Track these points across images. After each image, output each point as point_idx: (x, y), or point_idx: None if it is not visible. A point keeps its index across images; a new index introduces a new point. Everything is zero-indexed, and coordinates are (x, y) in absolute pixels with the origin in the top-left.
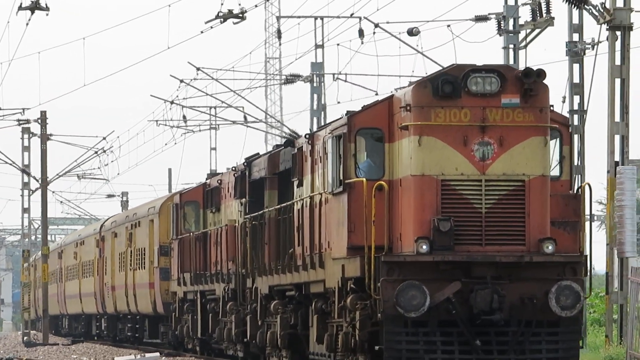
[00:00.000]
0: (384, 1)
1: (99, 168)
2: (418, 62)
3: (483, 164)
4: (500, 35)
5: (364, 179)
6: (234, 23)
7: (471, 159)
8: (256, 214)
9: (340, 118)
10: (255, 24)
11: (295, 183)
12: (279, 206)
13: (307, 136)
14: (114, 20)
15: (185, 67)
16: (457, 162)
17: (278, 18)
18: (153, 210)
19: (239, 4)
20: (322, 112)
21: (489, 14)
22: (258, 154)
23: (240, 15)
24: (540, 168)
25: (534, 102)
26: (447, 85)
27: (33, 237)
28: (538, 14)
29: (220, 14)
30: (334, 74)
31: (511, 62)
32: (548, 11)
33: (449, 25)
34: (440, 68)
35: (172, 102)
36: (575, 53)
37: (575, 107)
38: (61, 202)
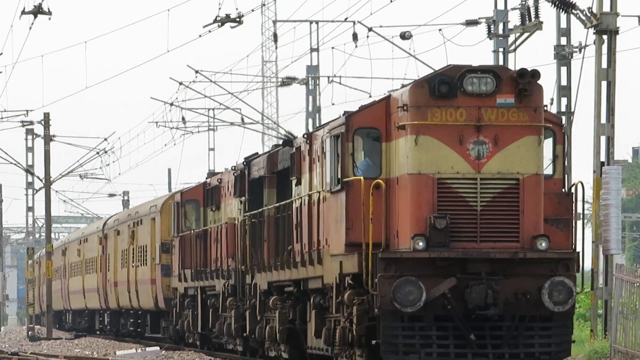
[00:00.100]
0: (378, 6)
1: (100, 168)
2: (410, 65)
3: (478, 163)
4: (490, 39)
5: (362, 178)
6: (232, 27)
7: (467, 158)
8: (255, 212)
9: (338, 118)
10: (252, 28)
11: (294, 182)
12: (277, 204)
13: (306, 136)
14: (115, 24)
15: (184, 70)
16: (453, 161)
17: (274, 22)
18: (155, 209)
19: (236, 9)
20: (317, 114)
21: (480, 18)
22: (257, 153)
23: (238, 19)
24: (534, 167)
25: (529, 102)
26: (444, 86)
27: (37, 235)
28: (527, 19)
29: (218, 19)
30: (328, 77)
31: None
32: (537, 16)
33: (440, 30)
34: (432, 71)
35: (171, 104)
36: (563, 56)
37: (563, 109)
38: (64, 201)
